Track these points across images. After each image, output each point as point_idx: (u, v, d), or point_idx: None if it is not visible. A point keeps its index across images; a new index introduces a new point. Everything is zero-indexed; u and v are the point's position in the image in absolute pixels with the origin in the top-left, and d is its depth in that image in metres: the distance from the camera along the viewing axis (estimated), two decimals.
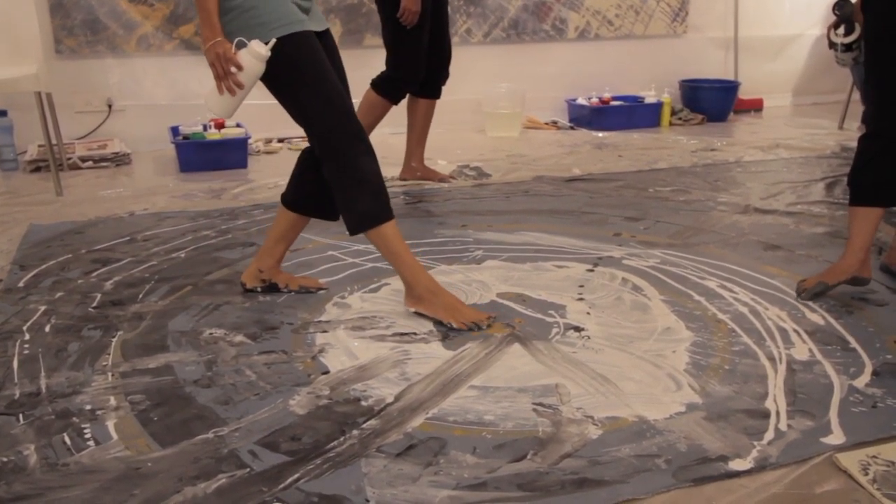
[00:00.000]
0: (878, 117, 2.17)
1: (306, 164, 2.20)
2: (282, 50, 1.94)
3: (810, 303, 2.19)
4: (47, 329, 2.07)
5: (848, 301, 2.20)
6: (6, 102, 3.82)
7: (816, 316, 2.12)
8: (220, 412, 1.66)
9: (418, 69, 3.26)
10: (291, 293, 2.28)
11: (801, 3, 5.35)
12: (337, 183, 2.04)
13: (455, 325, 2.02)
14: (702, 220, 2.95)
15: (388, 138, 4.06)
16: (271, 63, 1.94)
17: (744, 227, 2.88)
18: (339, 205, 2.08)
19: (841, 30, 2.26)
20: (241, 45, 1.93)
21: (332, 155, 2.02)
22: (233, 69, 1.91)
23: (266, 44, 1.91)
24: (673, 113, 4.98)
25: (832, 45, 2.29)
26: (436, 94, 3.43)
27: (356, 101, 2.38)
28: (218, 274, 2.44)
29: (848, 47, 2.26)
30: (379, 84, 3.31)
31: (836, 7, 2.26)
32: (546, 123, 4.88)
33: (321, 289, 2.31)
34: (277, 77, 1.99)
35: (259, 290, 2.29)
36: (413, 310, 2.10)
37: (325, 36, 2.11)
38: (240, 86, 1.93)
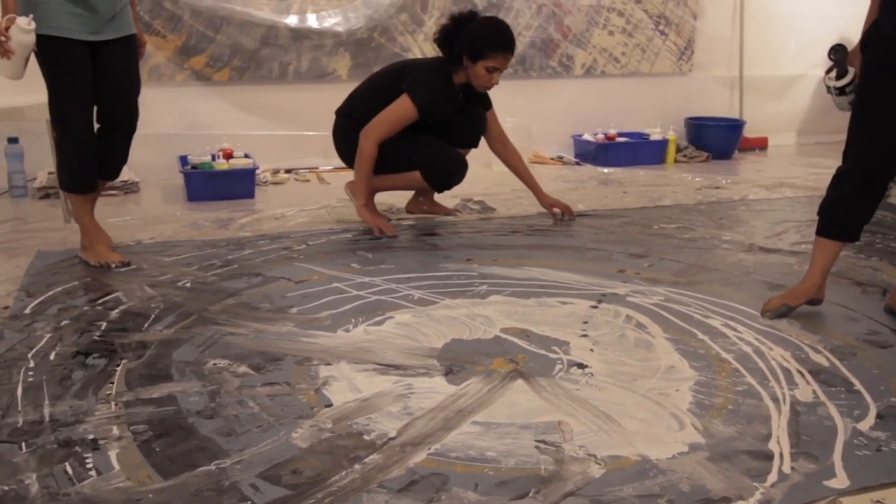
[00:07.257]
0: (856, 159, 2.22)
1: None
2: (47, 45, 2.54)
3: (815, 344, 2.19)
4: (52, 357, 2.07)
5: (852, 342, 2.20)
6: (17, 129, 3.86)
7: (820, 357, 2.11)
8: (222, 444, 1.66)
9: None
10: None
11: (805, 43, 5.40)
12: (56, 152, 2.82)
13: (92, 262, 2.80)
14: (706, 258, 2.96)
15: None
16: (42, 51, 2.54)
17: (748, 265, 2.88)
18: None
19: (833, 73, 2.30)
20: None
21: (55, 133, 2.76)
22: (2, 38, 2.41)
23: (28, 18, 2.44)
24: (678, 150, 5.01)
25: (829, 89, 2.33)
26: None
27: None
28: (223, 304, 2.45)
29: (842, 91, 2.29)
30: None
31: (831, 52, 2.30)
32: (552, 159, 4.91)
33: (125, 264, 2.79)
34: (42, 64, 2.63)
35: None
36: (81, 255, 2.86)
37: (120, 42, 2.69)
38: (11, 51, 2.43)
